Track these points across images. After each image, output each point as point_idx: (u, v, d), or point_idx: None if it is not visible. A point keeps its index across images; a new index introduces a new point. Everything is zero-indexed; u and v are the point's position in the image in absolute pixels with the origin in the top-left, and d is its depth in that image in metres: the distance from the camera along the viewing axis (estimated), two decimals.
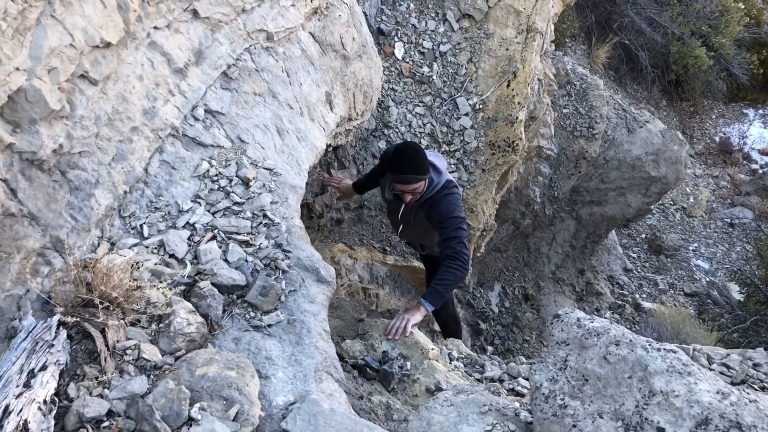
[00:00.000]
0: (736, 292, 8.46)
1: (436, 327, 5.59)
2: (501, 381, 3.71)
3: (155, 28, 2.97)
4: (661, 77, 12.01)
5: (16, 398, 1.86)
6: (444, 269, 3.91)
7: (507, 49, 5.89)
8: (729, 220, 10.57)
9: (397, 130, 5.88)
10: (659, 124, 8.05)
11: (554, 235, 8.02)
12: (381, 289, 5.85)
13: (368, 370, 3.62)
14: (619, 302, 8.62)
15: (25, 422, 1.82)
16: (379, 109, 5.82)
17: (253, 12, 3.49)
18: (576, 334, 2.06)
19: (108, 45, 2.69)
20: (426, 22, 6.07)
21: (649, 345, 1.90)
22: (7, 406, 1.83)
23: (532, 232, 7.89)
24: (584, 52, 11.69)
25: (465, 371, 3.89)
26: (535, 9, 5.93)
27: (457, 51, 6.03)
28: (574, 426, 1.87)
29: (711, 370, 3.10)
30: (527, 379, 3.67)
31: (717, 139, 12.36)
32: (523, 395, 3.51)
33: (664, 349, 1.86)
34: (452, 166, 5.85)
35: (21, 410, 1.83)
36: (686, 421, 1.70)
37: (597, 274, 8.80)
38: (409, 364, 3.71)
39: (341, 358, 3.53)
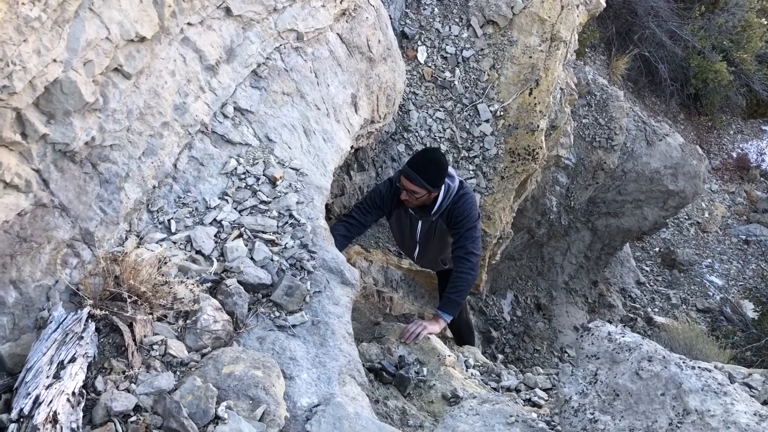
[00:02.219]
0: (750, 309, 8.38)
1: (449, 333, 5.57)
2: (518, 391, 3.70)
3: (189, 24, 2.98)
4: (680, 91, 11.93)
5: (46, 389, 1.87)
6: (455, 276, 3.90)
7: (530, 57, 5.87)
8: (744, 237, 10.49)
9: (416, 134, 5.87)
10: (679, 137, 8.01)
11: (569, 246, 7.98)
12: (395, 293, 5.83)
13: (384, 374, 3.61)
14: (631, 315, 8.56)
15: (55, 413, 1.82)
16: (400, 113, 5.80)
17: (285, 11, 3.50)
18: (607, 348, 2.04)
19: (142, 39, 2.70)
20: (450, 27, 6.06)
21: (683, 362, 1.88)
22: (37, 397, 1.83)
23: (547, 242, 7.85)
24: (603, 62, 11.64)
25: (481, 380, 3.87)
26: (560, 18, 5.90)
27: (479, 57, 6.01)
28: None
29: None
30: (544, 390, 3.65)
31: (734, 155, 12.27)
32: (540, 406, 3.49)
33: (699, 367, 1.84)
34: (471, 172, 5.83)
35: (51, 401, 1.83)
36: None
37: (610, 286, 8.75)
38: (425, 370, 3.70)
39: None
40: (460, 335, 5.23)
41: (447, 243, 4.26)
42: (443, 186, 3.90)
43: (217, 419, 2.02)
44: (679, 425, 1.75)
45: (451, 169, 3.98)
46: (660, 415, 1.81)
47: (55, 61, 2.34)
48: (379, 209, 4.11)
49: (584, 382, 2.03)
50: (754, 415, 1.70)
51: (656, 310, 8.96)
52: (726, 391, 1.76)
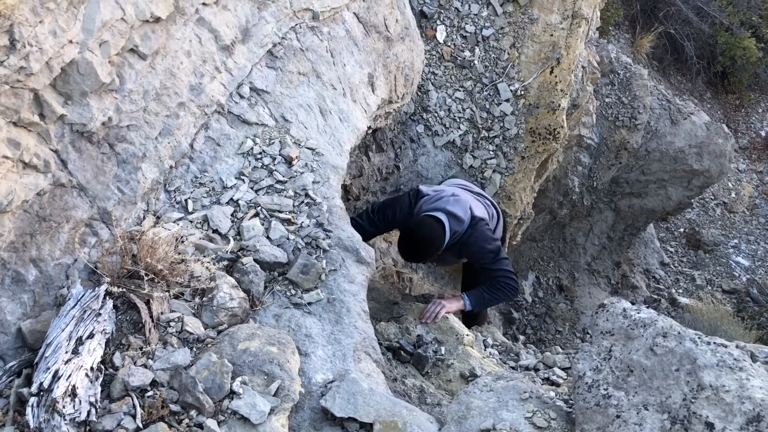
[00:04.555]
0: None
1: None
2: (536, 370, 3.69)
3: (204, 4, 2.98)
4: (707, 69, 11.67)
5: (65, 364, 1.91)
6: (497, 287, 3.82)
7: (551, 35, 5.78)
8: None
9: (436, 115, 5.83)
10: (704, 116, 7.85)
11: (591, 226, 7.90)
12: (414, 274, 5.84)
13: (403, 353, 3.63)
14: (655, 296, 8.47)
15: (74, 387, 1.86)
16: (419, 93, 5.77)
17: None
18: (622, 324, 2.03)
19: (158, 20, 2.71)
20: (469, 6, 5.98)
21: (698, 338, 1.86)
22: (56, 371, 1.87)
23: (569, 223, 7.78)
24: (628, 41, 11.44)
25: (500, 359, 3.87)
26: None
27: (500, 36, 5.94)
28: (618, 416, 1.85)
29: None
30: (563, 369, 3.64)
31: (763, 133, 12.00)
32: (558, 385, 3.48)
33: (714, 342, 1.82)
34: (491, 152, 5.78)
35: (70, 376, 1.87)
36: (737, 417, 1.66)
37: (633, 267, 8.65)
38: (443, 349, 3.71)
39: None
40: (468, 322, 5.04)
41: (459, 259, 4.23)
42: (449, 236, 3.72)
43: (232, 394, 2.05)
44: (693, 401, 1.74)
45: (461, 208, 3.78)
46: (674, 390, 1.80)
47: (71, 42, 2.36)
48: (391, 226, 3.96)
49: (598, 358, 2.02)
50: None
51: (680, 291, 8.85)
52: (741, 366, 1.74)
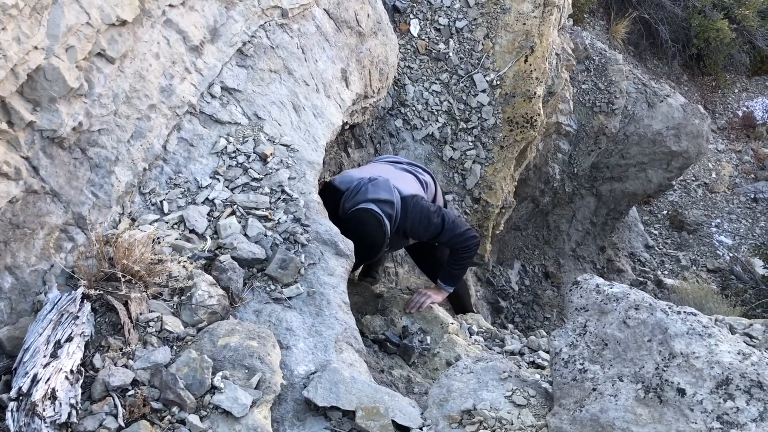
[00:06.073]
0: (760, 267, 8.33)
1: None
2: (521, 354, 3.72)
3: (170, 5, 2.98)
4: (682, 52, 11.77)
5: (43, 367, 1.91)
6: (459, 256, 3.74)
7: (524, 24, 5.82)
8: (753, 195, 10.40)
9: (413, 108, 5.86)
10: (680, 98, 7.93)
11: (574, 213, 7.96)
12: (400, 268, 5.86)
13: (389, 344, 3.65)
14: (641, 279, 8.55)
15: (53, 390, 1.87)
16: (396, 88, 5.79)
17: None
18: (595, 299, 2.06)
19: (124, 23, 2.71)
20: None
21: (669, 308, 1.89)
22: (35, 375, 1.87)
23: (552, 210, 7.83)
24: (603, 27, 11.52)
25: (485, 345, 3.90)
26: None
27: (473, 27, 5.97)
28: (594, 389, 1.87)
29: None
30: (548, 352, 3.67)
31: (740, 113, 12.12)
32: (543, 368, 3.51)
33: (684, 312, 1.86)
34: (470, 143, 5.81)
35: (49, 379, 1.88)
36: (707, 381, 1.69)
37: (618, 251, 8.72)
38: (429, 338, 3.74)
39: (362, 334, 3.56)
40: (460, 301, 5.03)
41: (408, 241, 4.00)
42: (388, 222, 3.40)
43: (213, 389, 2.06)
44: (665, 369, 1.77)
45: (384, 193, 3.41)
46: (647, 360, 1.82)
47: (36, 48, 2.35)
48: None
49: (574, 334, 2.04)
50: (738, 354, 1.71)
51: (666, 272, 8.93)
52: (710, 333, 1.77)
